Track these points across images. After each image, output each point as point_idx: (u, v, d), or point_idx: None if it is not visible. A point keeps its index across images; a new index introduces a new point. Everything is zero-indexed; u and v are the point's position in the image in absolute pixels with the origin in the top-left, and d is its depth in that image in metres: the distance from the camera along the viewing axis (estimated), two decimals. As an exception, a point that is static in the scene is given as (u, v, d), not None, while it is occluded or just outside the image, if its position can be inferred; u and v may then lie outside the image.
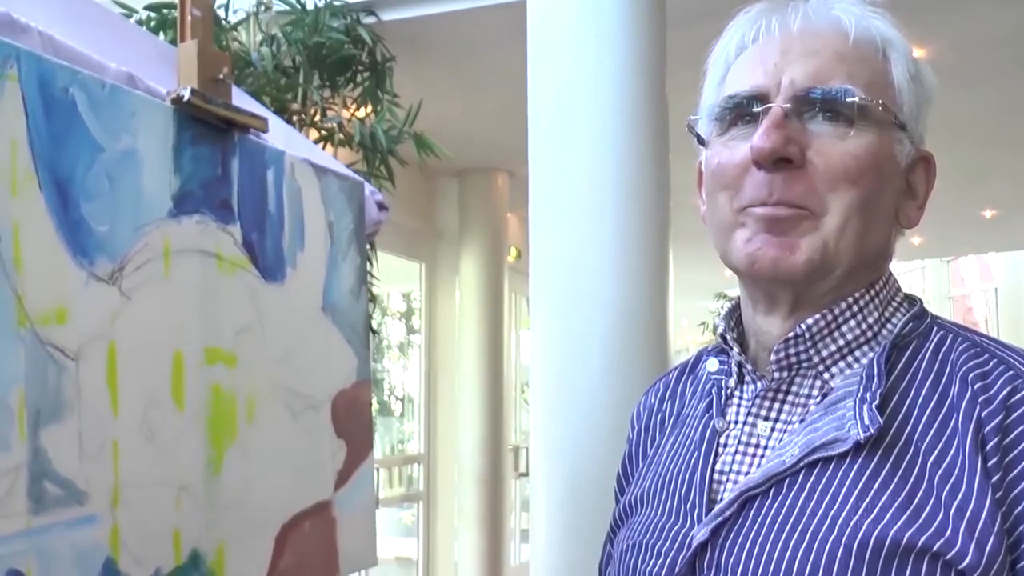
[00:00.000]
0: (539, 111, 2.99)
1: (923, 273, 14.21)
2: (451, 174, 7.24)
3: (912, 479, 0.81)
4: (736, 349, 0.95)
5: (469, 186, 7.37)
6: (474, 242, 7.34)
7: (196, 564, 1.42)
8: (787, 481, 0.85)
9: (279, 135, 1.79)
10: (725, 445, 0.94)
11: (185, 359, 1.43)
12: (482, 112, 5.75)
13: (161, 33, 3.59)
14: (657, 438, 1.07)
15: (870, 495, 0.81)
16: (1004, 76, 5.18)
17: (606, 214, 2.89)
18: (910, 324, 0.90)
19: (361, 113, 4.05)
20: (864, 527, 0.79)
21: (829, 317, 0.89)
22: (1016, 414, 0.81)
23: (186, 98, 1.44)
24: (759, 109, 0.88)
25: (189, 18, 1.51)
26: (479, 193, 7.34)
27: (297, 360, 1.67)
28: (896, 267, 0.97)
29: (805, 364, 0.90)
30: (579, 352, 2.91)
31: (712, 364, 0.98)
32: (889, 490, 0.81)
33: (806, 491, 0.84)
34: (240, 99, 1.67)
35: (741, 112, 0.90)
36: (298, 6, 3.91)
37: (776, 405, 0.92)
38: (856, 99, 0.86)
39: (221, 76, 1.53)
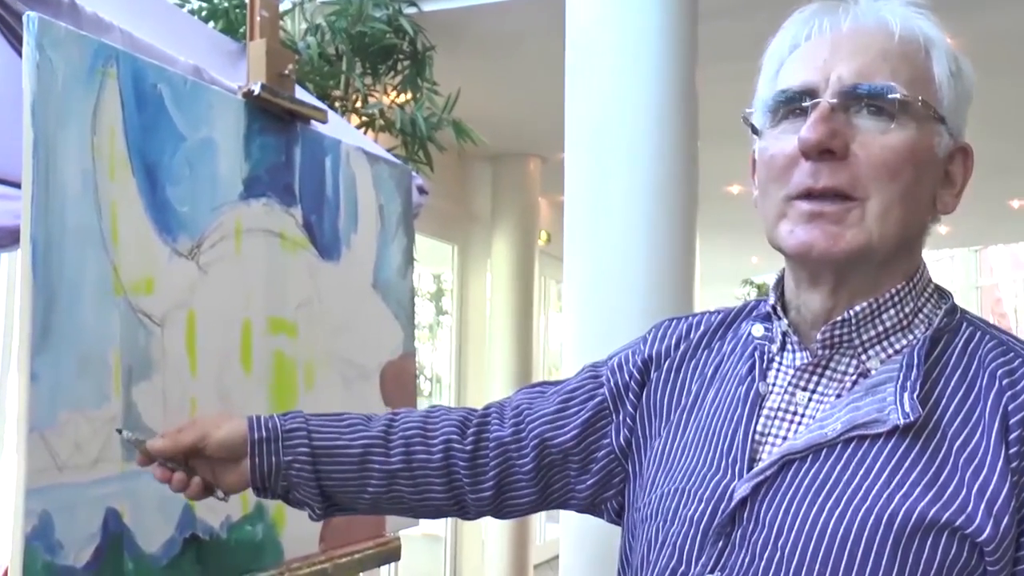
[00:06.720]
0: (576, 102, 3.10)
1: (951, 262, 14.00)
2: (485, 159, 7.38)
3: (939, 461, 0.90)
4: (784, 320, 1.02)
5: (502, 171, 7.51)
6: (506, 225, 7.48)
7: (260, 513, 1.57)
8: (826, 451, 0.94)
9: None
10: (764, 407, 1.01)
11: (253, 327, 1.58)
12: (517, 100, 5.88)
13: (211, 22, 3.75)
14: (689, 386, 1.11)
15: (901, 473, 0.90)
16: (1033, 67, 5.24)
17: (638, 203, 3.00)
18: (944, 319, 0.98)
19: (401, 100, 4.19)
20: (895, 501, 0.89)
21: (875, 305, 0.97)
22: None
23: (256, 92, 1.58)
24: (808, 104, 0.94)
25: (258, 19, 1.65)
26: (512, 177, 7.48)
27: (350, 332, 1.82)
28: (925, 256, 1.03)
29: (846, 344, 0.98)
30: (608, 336, 3.03)
31: (758, 330, 1.05)
32: (918, 469, 0.90)
33: (843, 462, 0.92)
34: (299, 92, 1.81)
35: (792, 106, 0.97)
36: (342, -4, 4.05)
37: (815, 378, 0.99)
38: (898, 95, 0.92)
39: (286, 72, 1.67)
